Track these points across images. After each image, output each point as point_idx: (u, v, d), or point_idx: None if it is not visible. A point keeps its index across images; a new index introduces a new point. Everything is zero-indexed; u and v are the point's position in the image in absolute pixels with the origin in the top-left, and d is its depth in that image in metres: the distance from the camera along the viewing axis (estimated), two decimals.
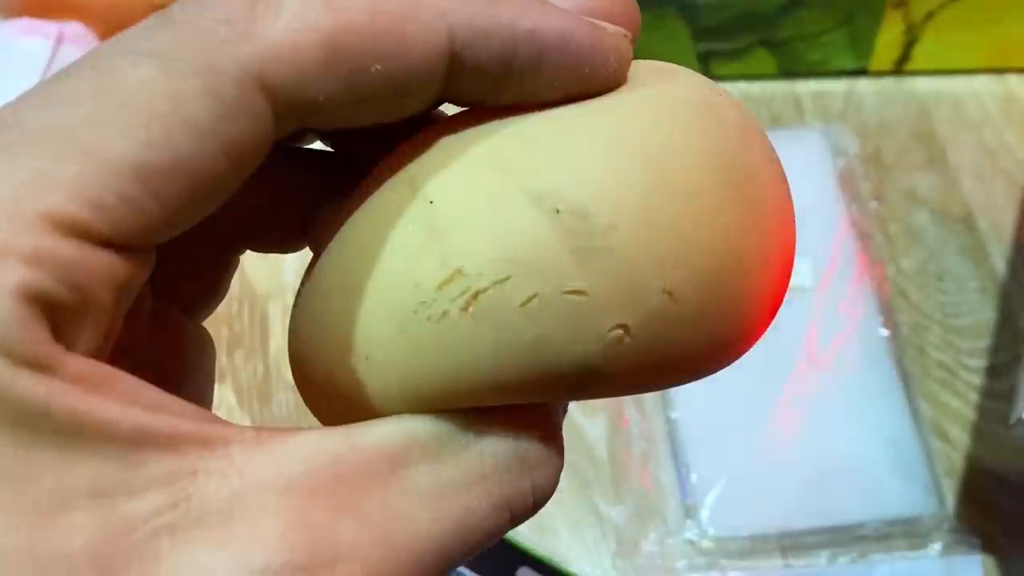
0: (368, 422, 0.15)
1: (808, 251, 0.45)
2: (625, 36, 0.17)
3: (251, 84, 0.14)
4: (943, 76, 0.52)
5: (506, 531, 0.16)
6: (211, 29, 0.14)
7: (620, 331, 0.15)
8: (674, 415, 0.42)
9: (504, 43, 0.15)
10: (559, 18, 0.16)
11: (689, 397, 0.42)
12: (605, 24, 0.16)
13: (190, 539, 0.13)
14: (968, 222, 0.48)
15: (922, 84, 0.52)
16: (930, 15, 0.50)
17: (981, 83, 0.52)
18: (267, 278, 0.47)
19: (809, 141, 0.49)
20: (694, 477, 0.40)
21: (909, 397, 0.43)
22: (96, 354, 0.13)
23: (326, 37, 0.14)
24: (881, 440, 0.41)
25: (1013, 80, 0.52)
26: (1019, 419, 0.35)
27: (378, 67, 0.14)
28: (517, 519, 0.16)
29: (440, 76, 0.15)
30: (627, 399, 0.43)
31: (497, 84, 0.16)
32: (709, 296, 0.16)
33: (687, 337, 0.16)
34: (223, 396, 0.43)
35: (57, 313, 0.13)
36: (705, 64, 0.51)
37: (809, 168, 0.48)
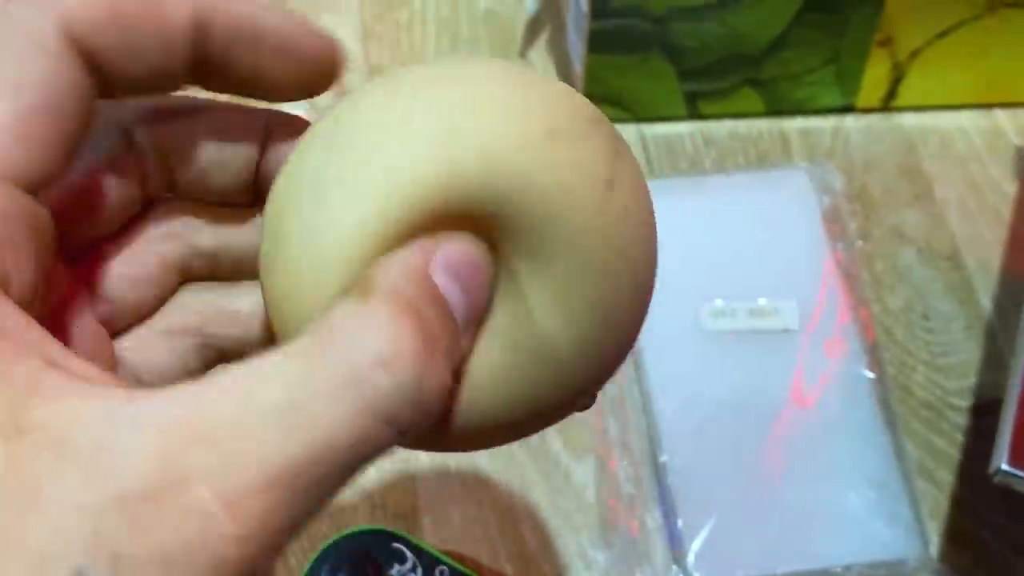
0: (223, 368, 0.17)
1: (794, 293, 0.46)
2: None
3: (65, 39, 0.18)
4: (929, 112, 0.53)
5: (391, 439, 0.17)
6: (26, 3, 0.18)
7: None
8: (662, 458, 0.42)
9: (242, 16, 0.20)
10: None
11: (677, 440, 0.43)
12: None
13: (64, 470, 0.15)
14: (955, 259, 0.49)
15: (909, 120, 0.53)
16: (916, 53, 0.50)
17: (967, 118, 0.53)
18: None
19: (795, 181, 0.49)
20: (680, 522, 0.41)
21: (894, 437, 0.43)
22: (25, 297, 0.17)
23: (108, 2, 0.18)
24: (865, 482, 0.42)
25: (1000, 114, 0.53)
26: (998, 469, 0.36)
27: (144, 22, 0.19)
28: (399, 421, 0.17)
29: (188, 36, 0.19)
30: (615, 441, 0.44)
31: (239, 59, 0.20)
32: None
33: None
34: None
35: None
36: (692, 103, 0.52)
37: (795, 208, 0.49)
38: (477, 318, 0.20)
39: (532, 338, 0.21)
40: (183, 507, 0.15)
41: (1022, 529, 0.42)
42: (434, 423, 0.18)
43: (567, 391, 0.22)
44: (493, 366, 0.21)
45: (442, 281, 0.19)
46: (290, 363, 0.17)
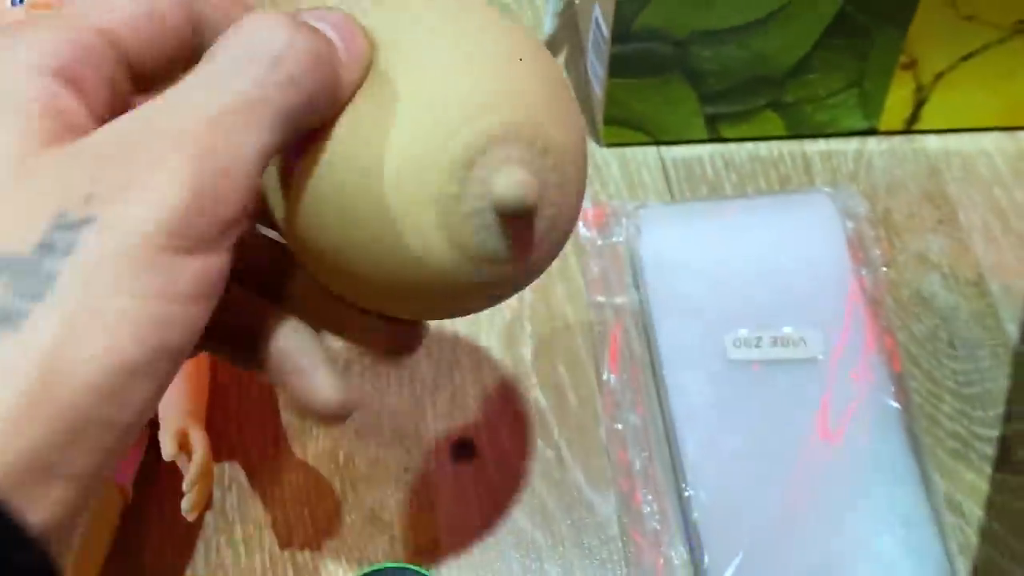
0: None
1: (820, 322, 0.45)
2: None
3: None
4: (953, 134, 0.52)
5: (300, 101, 0.23)
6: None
7: None
8: (687, 492, 0.42)
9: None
10: None
11: (702, 473, 0.42)
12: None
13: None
14: (980, 285, 0.48)
15: (932, 143, 0.52)
16: (940, 75, 0.50)
17: (992, 141, 0.52)
18: None
19: (819, 205, 0.49)
20: (707, 558, 0.40)
21: (922, 471, 0.43)
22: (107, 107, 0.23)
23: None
24: (894, 516, 0.41)
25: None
26: None
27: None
28: (302, 83, 0.23)
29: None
30: (638, 474, 0.43)
31: None
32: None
33: None
34: (233, 475, 0.43)
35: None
36: (713, 126, 0.51)
37: (819, 233, 0.48)
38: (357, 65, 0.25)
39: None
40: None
41: None
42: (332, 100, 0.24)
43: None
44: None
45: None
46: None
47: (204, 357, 0.43)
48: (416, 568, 0.39)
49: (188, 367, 0.42)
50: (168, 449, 0.38)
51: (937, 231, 0.49)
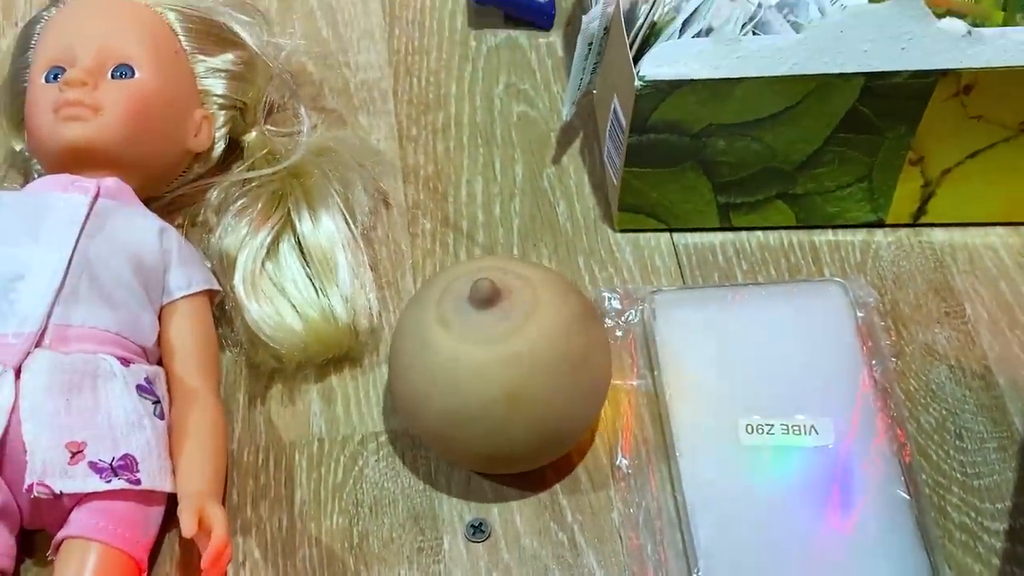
0: None
1: (831, 410, 0.46)
2: None
3: None
4: (959, 228, 0.53)
5: None
6: None
7: None
8: (698, 573, 0.42)
9: None
10: None
11: (714, 559, 0.42)
12: None
13: None
14: (986, 378, 0.49)
15: (939, 236, 0.53)
16: (947, 171, 0.51)
17: (997, 235, 0.53)
18: (294, 428, 0.47)
19: (831, 294, 0.50)
20: None
21: (931, 561, 0.43)
22: None
23: None
24: None
25: None
26: None
27: None
28: None
29: None
30: (649, 559, 0.43)
31: None
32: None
33: None
34: (248, 549, 0.44)
35: None
36: (725, 215, 0.52)
37: (832, 322, 0.49)
38: None
39: None
40: None
41: None
42: None
43: None
44: None
45: None
46: None
47: (223, 438, 0.44)
48: None
49: (208, 448, 0.43)
50: (188, 527, 0.39)
51: (944, 323, 0.50)
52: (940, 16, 0.47)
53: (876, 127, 0.49)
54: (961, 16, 0.51)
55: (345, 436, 0.47)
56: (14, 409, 0.40)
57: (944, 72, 0.47)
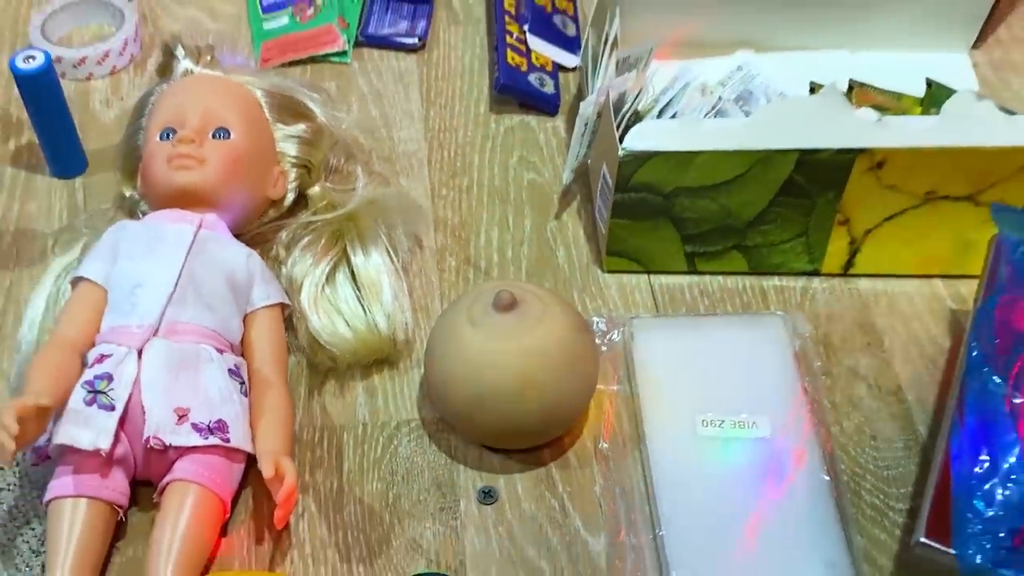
0: None
1: (768, 410, 0.58)
2: None
3: None
4: (881, 279, 0.66)
5: None
6: None
7: None
8: (660, 532, 0.53)
9: None
10: None
11: (673, 520, 0.54)
12: None
13: None
14: (898, 395, 0.61)
15: (864, 284, 0.66)
16: (869, 231, 0.64)
17: (912, 285, 0.66)
18: (343, 414, 0.59)
19: (773, 325, 0.62)
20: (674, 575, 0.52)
21: (846, 530, 0.54)
22: None
23: None
24: (821, 562, 0.53)
25: (938, 284, 0.66)
26: (917, 541, 0.47)
27: None
28: None
29: None
30: (623, 521, 0.55)
31: None
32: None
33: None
34: (306, 504, 0.55)
35: None
36: (691, 261, 0.65)
37: (773, 347, 0.61)
38: None
39: None
40: None
41: None
42: None
43: None
44: None
45: None
46: None
47: (291, 416, 0.56)
48: (447, 574, 0.51)
49: (279, 422, 0.54)
50: (268, 471, 0.51)
51: (865, 352, 0.63)
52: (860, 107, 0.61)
53: (809, 193, 0.62)
54: (884, 111, 0.65)
55: (384, 422, 0.59)
56: (136, 381, 0.52)
57: (861, 150, 0.60)
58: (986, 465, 0.48)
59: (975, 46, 0.77)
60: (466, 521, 0.55)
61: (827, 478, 0.56)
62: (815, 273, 0.66)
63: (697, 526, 0.54)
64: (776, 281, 0.66)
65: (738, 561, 0.53)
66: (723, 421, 0.58)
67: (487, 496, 0.56)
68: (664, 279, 0.66)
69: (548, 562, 0.54)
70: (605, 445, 0.58)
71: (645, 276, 0.66)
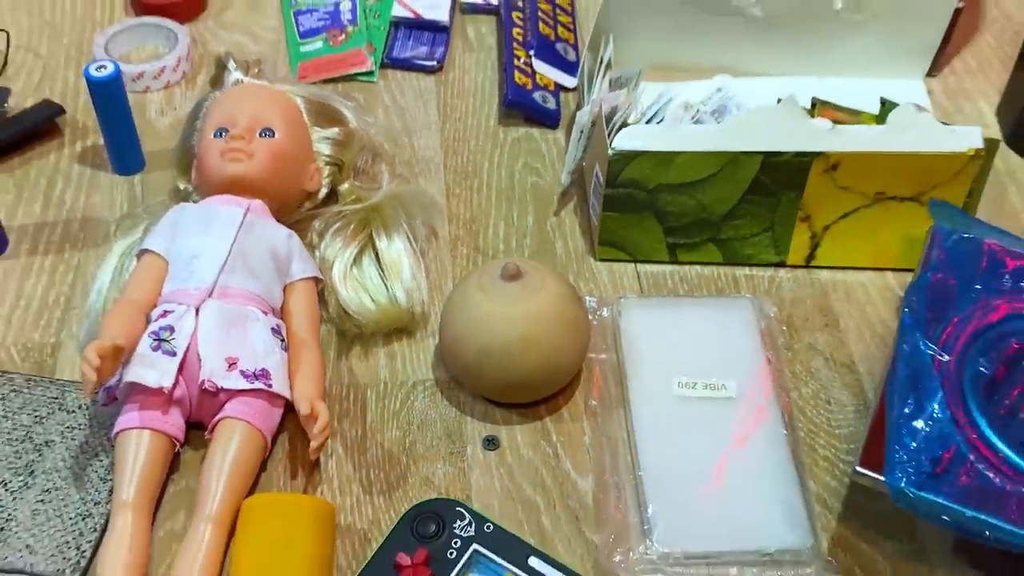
0: None
1: (735, 376, 0.67)
2: None
3: None
4: (839, 270, 0.75)
5: None
6: None
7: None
8: (640, 473, 0.62)
9: None
10: None
11: (651, 465, 0.62)
12: None
13: None
14: (851, 368, 0.70)
15: (824, 274, 0.75)
16: (827, 227, 0.73)
17: (866, 276, 0.75)
18: (367, 374, 0.68)
19: (743, 306, 0.71)
20: (651, 510, 0.60)
21: (800, 476, 0.63)
22: None
23: None
24: (779, 500, 0.61)
25: (889, 275, 0.75)
26: (855, 470, 0.56)
27: None
28: None
29: None
30: (607, 465, 0.63)
31: None
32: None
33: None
34: (334, 447, 0.64)
35: None
36: (673, 252, 0.74)
37: (742, 325, 0.70)
38: None
39: None
40: None
41: (885, 543, 0.61)
42: None
43: None
44: None
45: None
46: None
47: (323, 371, 0.65)
48: (457, 500, 0.59)
49: (313, 374, 0.63)
50: (304, 409, 0.59)
51: (823, 331, 0.72)
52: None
53: (773, 192, 0.71)
54: (843, 124, 0.74)
55: (402, 381, 0.68)
56: (194, 334, 0.61)
57: (817, 153, 0.69)
58: (913, 407, 0.57)
59: (930, 74, 0.87)
60: (472, 463, 0.64)
61: (785, 432, 0.64)
62: (781, 264, 0.75)
63: (671, 467, 0.63)
64: (747, 271, 0.75)
65: (705, 496, 0.61)
66: (696, 383, 0.66)
67: (490, 443, 0.65)
68: (649, 267, 0.75)
69: (543, 497, 0.62)
70: (594, 403, 0.67)
71: (632, 264, 0.75)
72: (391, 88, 0.87)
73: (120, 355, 0.59)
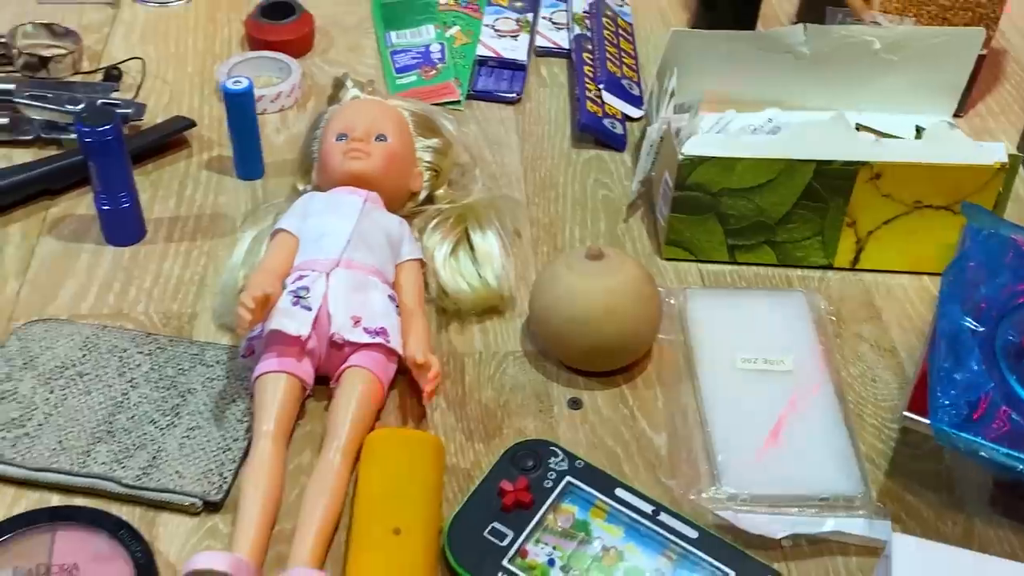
0: None
1: (791, 353, 0.75)
2: None
3: None
4: (880, 273, 0.84)
5: None
6: None
7: None
8: (708, 430, 0.70)
9: None
10: None
11: (718, 423, 0.71)
12: None
13: None
14: (893, 352, 0.78)
15: (867, 276, 0.84)
16: (870, 233, 0.82)
17: (906, 279, 0.84)
18: (464, 345, 0.77)
19: (796, 298, 0.80)
20: (720, 459, 0.68)
21: (851, 438, 0.71)
22: None
23: None
24: (832, 453, 0.69)
25: (926, 279, 0.84)
26: (903, 415, 0.64)
27: None
28: None
29: None
30: (679, 425, 0.72)
31: None
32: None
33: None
34: (437, 402, 0.73)
35: None
36: (732, 252, 0.83)
37: (795, 314, 0.79)
38: None
39: None
40: None
41: (928, 494, 0.69)
42: None
43: None
44: None
45: None
46: None
47: (428, 329, 0.74)
48: (551, 440, 0.68)
49: (422, 335, 0.72)
50: (420, 359, 0.69)
51: (868, 322, 0.80)
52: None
53: (824, 198, 0.81)
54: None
55: (495, 351, 0.77)
56: (325, 295, 0.71)
57: (863, 163, 0.79)
58: (952, 362, 0.65)
59: (956, 114, 0.98)
60: (559, 419, 0.72)
61: (837, 399, 0.73)
62: (829, 267, 0.84)
63: (736, 426, 0.71)
64: (799, 272, 0.84)
65: (766, 450, 0.69)
66: (756, 359, 0.75)
67: (574, 404, 0.73)
68: (710, 266, 0.84)
69: (622, 449, 0.71)
70: (665, 374, 0.75)
71: (695, 264, 0.84)
72: (476, 115, 0.98)
73: (267, 304, 0.68)
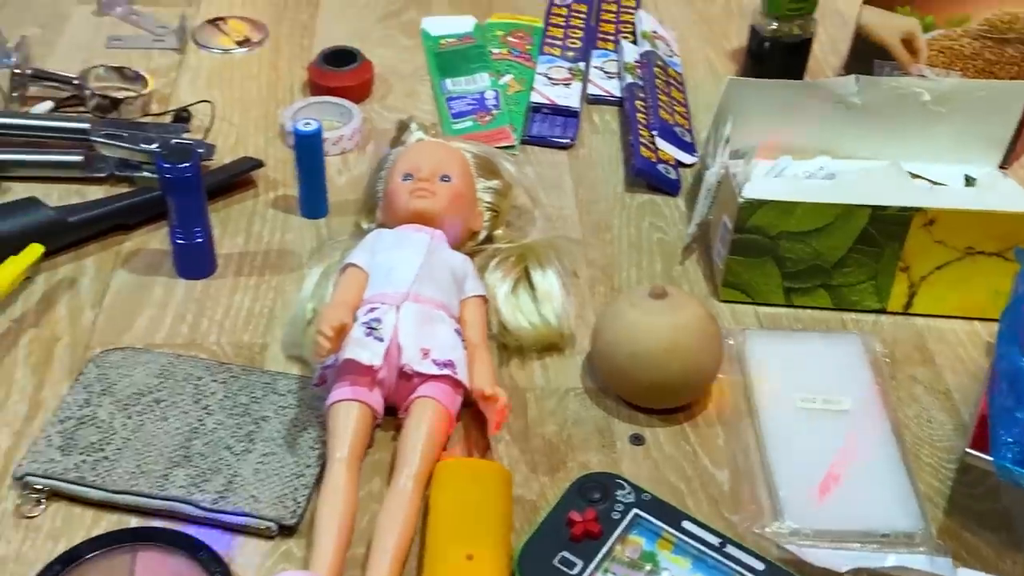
0: None
1: (849, 394, 0.76)
2: None
3: None
4: (933, 318, 0.85)
5: None
6: None
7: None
8: (770, 467, 0.72)
9: None
10: None
11: (779, 458, 0.72)
12: None
13: None
14: (948, 395, 0.79)
15: (919, 321, 0.85)
16: (923, 278, 0.84)
17: (957, 324, 0.85)
18: (525, 380, 0.79)
19: (852, 341, 0.82)
20: (782, 494, 0.69)
21: (910, 476, 0.72)
22: None
23: None
24: (892, 490, 0.70)
25: (977, 324, 0.85)
26: (966, 452, 0.65)
27: None
28: None
29: None
30: (741, 464, 0.73)
31: None
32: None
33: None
34: (502, 435, 0.74)
35: None
36: (788, 295, 0.85)
37: (852, 355, 0.80)
38: None
39: None
40: None
41: (987, 534, 0.69)
42: None
43: None
44: None
45: None
46: None
47: (492, 363, 0.76)
48: (616, 474, 0.69)
49: (487, 370, 0.74)
50: (488, 391, 0.70)
51: (922, 365, 0.82)
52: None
53: (879, 243, 0.83)
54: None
55: (555, 387, 0.78)
56: (395, 327, 0.73)
57: (917, 209, 0.81)
58: (1013, 402, 0.66)
59: (1002, 166, 1.00)
60: (621, 455, 0.74)
61: (895, 438, 0.74)
62: (882, 311, 0.86)
63: (797, 463, 0.72)
64: (853, 316, 0.86)
65: (827, 485, 0.70)
66: (816, 399, 0.76)
67: (637, 440, 0.75)
68: (766, 309, 0.86)
69: (685, 484, 0.72)
70: (726, 413, 0.77)
71: (752, 307, 0.86)
72: (530, 159, 1.01)
73: (343, 334, 0.71)
